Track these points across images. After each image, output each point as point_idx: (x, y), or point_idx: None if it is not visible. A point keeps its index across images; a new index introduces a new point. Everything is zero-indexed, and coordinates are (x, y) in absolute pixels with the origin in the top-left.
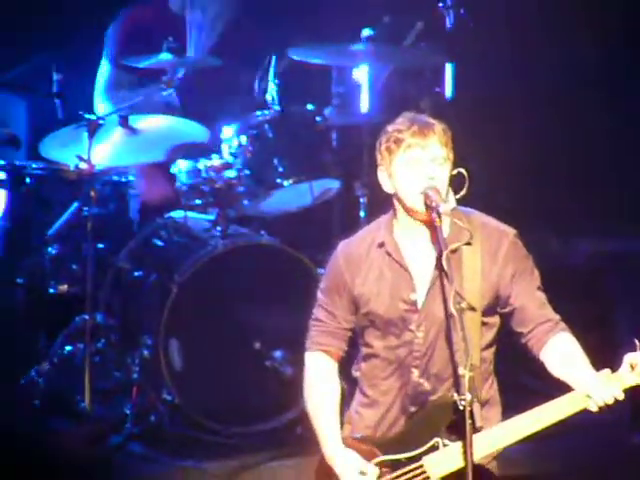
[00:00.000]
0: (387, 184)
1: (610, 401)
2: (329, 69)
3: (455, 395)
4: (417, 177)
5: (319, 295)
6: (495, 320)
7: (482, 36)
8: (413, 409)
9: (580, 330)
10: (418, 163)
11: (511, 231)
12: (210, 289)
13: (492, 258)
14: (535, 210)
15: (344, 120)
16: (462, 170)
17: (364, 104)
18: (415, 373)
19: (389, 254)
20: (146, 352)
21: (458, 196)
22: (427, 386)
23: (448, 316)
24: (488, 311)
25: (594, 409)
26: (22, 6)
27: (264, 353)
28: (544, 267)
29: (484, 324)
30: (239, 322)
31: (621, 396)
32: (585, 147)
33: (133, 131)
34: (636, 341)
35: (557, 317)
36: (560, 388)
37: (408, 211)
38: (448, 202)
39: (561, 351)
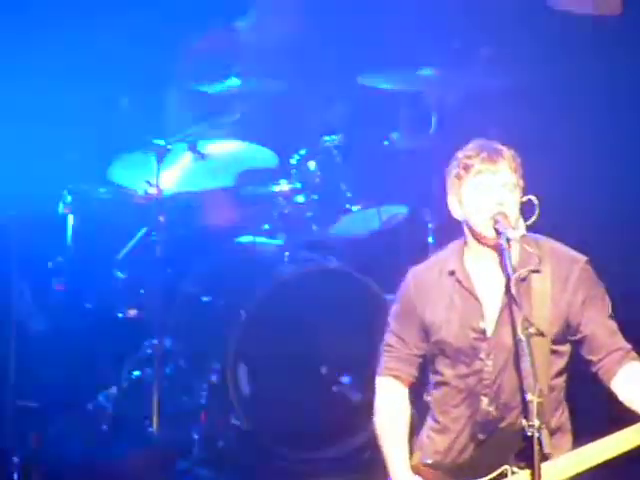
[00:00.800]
0: (457, 211)
1: None
2: (398, 93)
3: (524, 421)
4: (487, 203)
5: (390, 321)
6: (566, 348)
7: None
8: (482, 436)
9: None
10: (488, 189)
11: (582, 258)
12: (278, 314)
13: (562, 285)
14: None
15: (412, 145)
16: (532, 197)
17: (432, 129)
18: (484, 401)
19: (459, 282)
20: (214, 377)
21: (528, 222)
22: (496, 414)
23: (517, 342)
24: (558, 339)
25: None
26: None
27: (331, 378)
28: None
29: (554, 352)
30: (307, 347)
31: None
32: None
33: (202, 156)
34: None
35: (628, 346)
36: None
37: (478, 237)
38: (517, 228)
39: (632, 381)
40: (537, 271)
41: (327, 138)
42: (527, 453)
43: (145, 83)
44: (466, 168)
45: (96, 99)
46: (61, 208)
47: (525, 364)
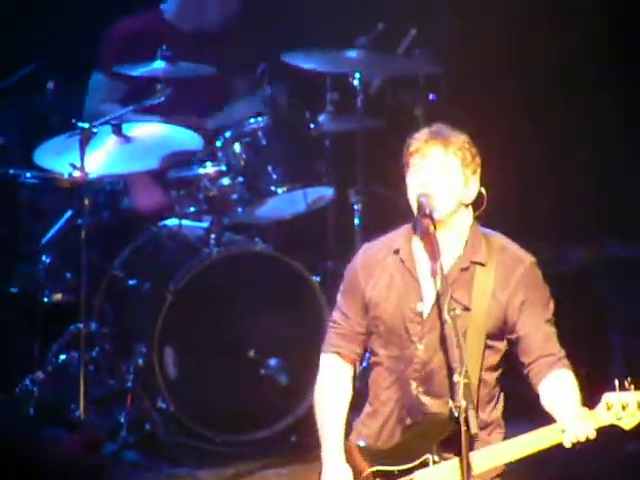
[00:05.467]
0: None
1: (582, 438)
2: (323, 76)
3: (450, 402)
4: (414, 183)
5: (338, 297)
6: (501, 345)
7: (475, 41)
8: (409, 422)
9: (573, 338)
10: (417, 169)
11: (529, 258)
12: (204, 297)
13: (504, 282)
14: (526, 217)
15: (338, 127)
16: (481, 189)
17: (358, 111)
18: (413, 385)
19: (402, 261)
20: (140, 360)
21: (476, 214)
22: (424, 399)
23: (442, 322)
24: (493, 334)
25: (567, 445)
26: (14, 14)
27: (259, 361)
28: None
29: (488, 347)
30: (234, 330)
31: (593, 434)
32: (579, 151)
33: (126, 139)
34: (616, 381)
35: (561, 353)
36: None
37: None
38: (442, 212)
39: (555, 388)
40: (481, 264)
41: (252, 120)
42: (452, 442)
43: (70, 66)
44: (407, 147)
45: (21, 83)
46: None
47: (452, 347)
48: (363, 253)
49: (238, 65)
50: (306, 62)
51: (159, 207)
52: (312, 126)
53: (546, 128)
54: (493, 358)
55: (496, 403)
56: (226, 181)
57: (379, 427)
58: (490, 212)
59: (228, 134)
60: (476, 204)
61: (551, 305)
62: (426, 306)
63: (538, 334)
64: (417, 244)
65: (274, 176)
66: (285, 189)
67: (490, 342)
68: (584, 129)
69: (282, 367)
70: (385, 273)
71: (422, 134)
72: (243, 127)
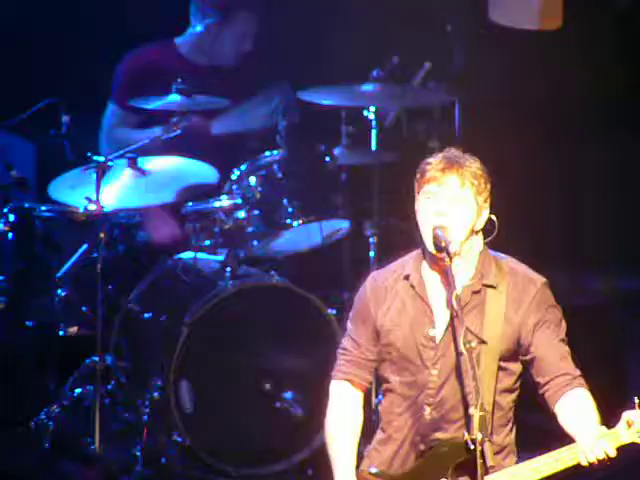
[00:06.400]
0: (417, 216)
1: (601, 457)
2: (339, 109)
3: (466, 434)
4: (428, 212)
5: (348, 324)
6: (515, 367)
7: (491, 73)
8: (423, 447)
9: (590, 367)
10: (432, 197)
11: (540, 279)
12: (220, 330)
13: (517, 304)
14: (543, 246)
15: (353, 160)
16: (492, 216)
17: (373, 144)
18: (427, 411)
19: (413, 287)
20: (156, 394)
21: (487, 240)
22: (438, 425)
23: (458, 354)
24: (507, 356)
25: (584, 463)
26: (29, 48)
27: (274, 394)
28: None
29: (502, 368)
30: (249, 363)
31: (613, 453)
32: (597, 182)
33: (142, 172)
34: (636, 399)
35: (577, 372)
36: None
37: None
38: (458, 242)
39: (573, 407)
40: (493, 286)
41: (268, 153)
42: (467, 467)
43: (85, 100)
44: (422, 174)
45: (37, 116)
46: (2, 226)
47: (468, 378)
48: (372, 280)
49: (255, 100)
50: (322, 98)
51: (175, 240)
52: (328, 159)
53: (561, 163)
54: (507, 380)
55: (512, 427)
56: (242, 214)
57: (392, 453)
58: (503, 242)
59: (244, 167)
60: (486, 229)
61: (564, 324)
62: (438, 331)
63: (553, 354)
64: (427, 269)
65: (290, 209)
66: (301, 222)
67: (504, 364)
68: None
69: (297, 400)
70: (396, 299)
71: (438, 160)
72: (259, 160)
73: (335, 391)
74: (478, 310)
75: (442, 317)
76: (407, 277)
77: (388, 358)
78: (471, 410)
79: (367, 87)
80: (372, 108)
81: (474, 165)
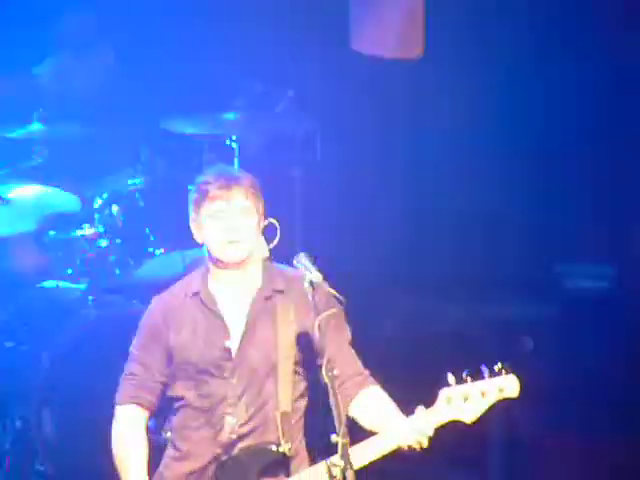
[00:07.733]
0: (197, 235)
1: (423, 441)
2: (201, 137)
3: (328, 461)
4: (221, 228)
5: (133, 351)
6: (307, 371)
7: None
8: (224, 457)
9: None
10: (222, 215)
11: (318, 279)
12: (83, 359)
13: (304, 308)
14: (404, 275)
15: None
16: (273, 220)
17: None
18: (228, 420)
19: (203, 302)
20: (18, 423)
21: (271, 245)
22: (240, 434)
23: (324, 384)
24: (300, 360)
25: (404, 446)
26: None
27: None
28: (413, 332)
29: (297, 373)
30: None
31: (431, 432)
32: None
33: (4, 201)
34: (449, 375)
35: (366, 372)
36: None
37: (215, 261)
38: (249, 252)
39: (371, 405)
40: (281, 291)
41: (130, 182)
42: (269, 473)
43: None
44: (203, 194)
45: None
46: None
47: (331, 406)
48: (159, 302)
49: (116, 127)
50: (184, 126)
51: (36, 269)
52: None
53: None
54: (302, 385)
55: (304, 433)
56: (104, 243)
57: (190, 469)
58: (366, 270)
59: (105, 195)
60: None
61: (348, 326)
62: (233, 342)
63: (344, 356)
64: (214, 284)
65: (152, 237)
66: (163, 251)
67: (298, 368)
68: None
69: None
70: (187, 317)
71: (216, 178)
72: (121, 188)
73: (122, 414)
74: (270, 316)
75: (236, 328)
76: (196, 293)
77: (183, 375)
78: (333, 438)
79: (228, 115)
80: (233, 136)
81: (247, 176)
